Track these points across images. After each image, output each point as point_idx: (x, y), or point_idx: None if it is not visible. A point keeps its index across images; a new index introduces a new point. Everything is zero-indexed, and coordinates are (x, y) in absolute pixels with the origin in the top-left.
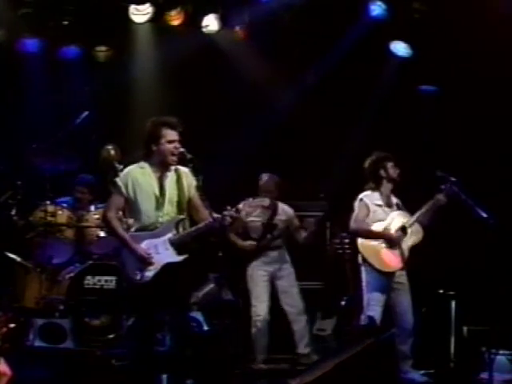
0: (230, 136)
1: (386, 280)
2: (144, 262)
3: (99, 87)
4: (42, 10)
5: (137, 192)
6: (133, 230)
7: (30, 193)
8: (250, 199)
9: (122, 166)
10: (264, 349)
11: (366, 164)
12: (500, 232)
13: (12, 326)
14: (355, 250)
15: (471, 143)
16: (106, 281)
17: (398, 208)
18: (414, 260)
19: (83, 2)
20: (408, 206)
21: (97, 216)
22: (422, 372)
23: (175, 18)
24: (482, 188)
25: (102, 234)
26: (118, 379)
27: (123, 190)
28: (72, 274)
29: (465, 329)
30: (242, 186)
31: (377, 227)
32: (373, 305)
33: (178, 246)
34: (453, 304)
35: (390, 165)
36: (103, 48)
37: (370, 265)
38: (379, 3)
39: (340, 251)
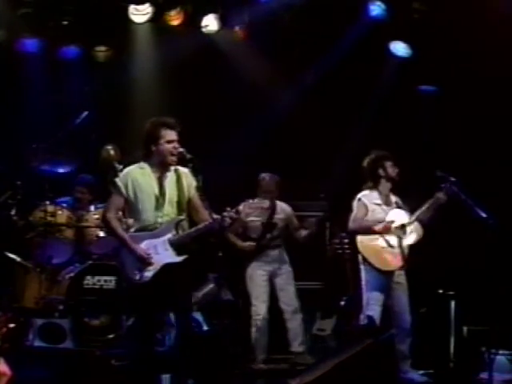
0: (229, 136)
1: (385, 279)
2: (143, 262)
3: (99, 87)
4: (42, 10)
5: (137, 192)
6: (132, 230)
7: (30, 193)
8: (250, 201)
9: (121, 166)
10: (264, 348)
11: (365, 163)
12: (500, 232)
13: (12, 325)
14: (355, 249)
15: (471, 143)
16: (106, 281)
17: (398, 206)
18: (413, 260)
19: (83, 2)
20: (408, 206)
21: (96, 216)
22: (422, 372)
23: (175, 18)
24: (481, 188)
25: (102, 234)
26: (117, 379)
27: (123, 190)
28: (72, 274)
29: (464, 329)
30: (241, 186)
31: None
32: (372, 304)
33: (177, 246)
34: (452, 304)
35: (388, 164)
36: (103, 48)
37: (369, 264)
38: (379, 3)
39: (340, 251)
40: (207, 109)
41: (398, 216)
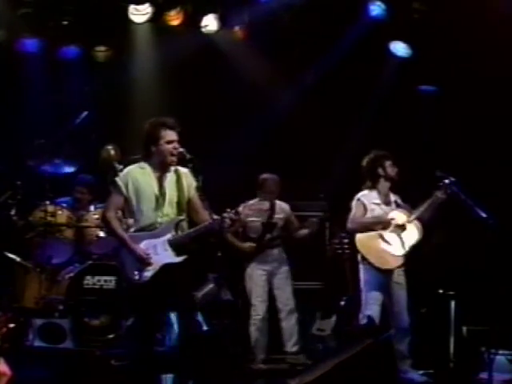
0: (229, 136)
1: (384, 278)
2: (143, 262)
3: (99, 87)
4: (42, 10)
5: (137, 192)
6: (132, 230)
7: (30, 193)
8: (250, 202)
9: (121, 166)
10: (263, 348)
11: (364, 162)
12: (499, 232)
13: (12, 325)
14: (354, 249)
15: (471, 143)
16: (106, 281)
17: (397, 205)
18: (413, 260)
19: (83, 2)
20: (407, 206)
21: (96, 216)
22: (422, 372)
23: (175, 18)
24: (481, 188)
25: (102, 234)
26: (117, 379)
27: (123, 189)
28: (71, 274)
29: (464, 329)
30: (241, 186)
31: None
32: (371, 303)
33: (176, 246)
34: (452, 304)
35: (388, 163)
36: (103, 48)
37: (368, 263)
38: (379, 3)
39: (339, 251)
40: (207, 109)
41: (398, 215)
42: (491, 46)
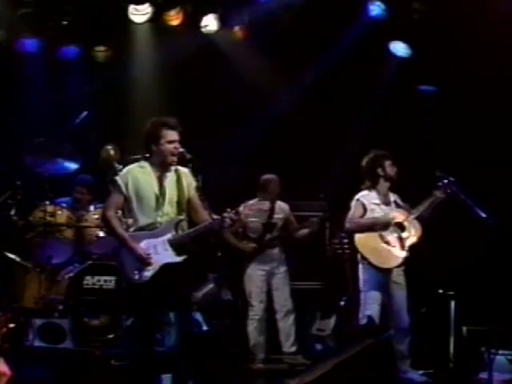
0: (229, 136)
1: (383, 278)
2: (143, 261)
3: (99, 87)
4: (42, 10)
5: (137, 191)
6: (132, 229)
7: (30, 193)
8: (250, 202)
9: (121, 166)
10: (262, 348)
11: (364, 162)
12: (499, 232)
13: (11, 325)
14: (354, 249)
15: (471, 143)
16: (106, 281)
17: (397, 205)
18: (413, 260)
19: (83, 2)
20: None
21: (96, 216)
22: (421, 372)
23: (174, 18)
24: (481, 188)
25: (102, 234)
26: (117, 379)
27: (123, 189)
28: (71, 274)
29: (464, 329)
30: (241, 186)
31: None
32: (370, 303)
33: (177, 246)
34: (452, 304)
35: (387, 163)
36: (102, 48)
37: (368, 263)
38: (378, 3)
39: (339, 251)
40: (207, 109)
41: (397, 215)
42: (491, 45)
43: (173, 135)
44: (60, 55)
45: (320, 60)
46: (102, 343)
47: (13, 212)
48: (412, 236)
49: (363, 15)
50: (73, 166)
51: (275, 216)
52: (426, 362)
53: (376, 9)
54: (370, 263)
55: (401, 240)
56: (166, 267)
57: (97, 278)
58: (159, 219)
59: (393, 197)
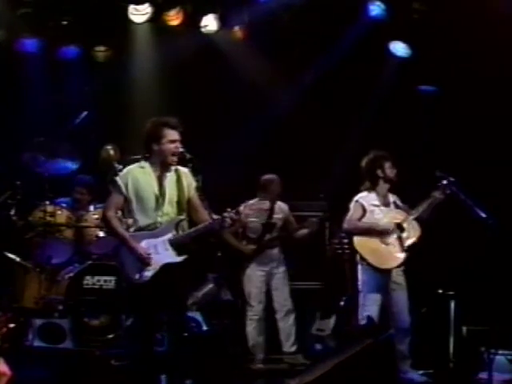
0: (229, 136)
1: (382, 279)
2: (143, 261)
3: (98, 87)
4: (42, 10)
5: (137, 191)
6: (132, 230)
7: (30, 193)
8: (250, 202)
9: (121, 166)
10: (262, 348)
11: (363, 163)
12: (499, 232)
13: (11, 326)
14: (354, 249)
15: (471, 143)
16: (106, 281)
17: (396, 206)
18: (413, 260)
19: (82, 2)
20: (407, 206)
21: (96, 216)
22: (421, 372)
23: (174, 18)
24: (481, 188)
25: (102, 234)
26: (117, 379)
27: (123, 189)
28: (71, 274)
29: (464, 329)
30: (241, 186)
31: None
32: (368, 305)
33: (177, 246)
34: (452, 304)
35: (387, 165)
36: (102, 48)
37: (367, 263)
38: (378, 3)
39: (339, 251)
40: (207, 109)
41: (396, 215)
42: (491, 45)
43: (174, 135)
44: (60, 55)
45: (320, 60)
46: (102, 343)
47: (13, 212)
48: (411, 237)
49: (363, 15)
50: (73, 166)
51: (275, 216)
52: (426, 362)
53: (376, 9)
54: (369, 264)
55: (400, 240)
56: (167, 267)
57: (97, 277)
58: (159, 219)
59: (392, 198)
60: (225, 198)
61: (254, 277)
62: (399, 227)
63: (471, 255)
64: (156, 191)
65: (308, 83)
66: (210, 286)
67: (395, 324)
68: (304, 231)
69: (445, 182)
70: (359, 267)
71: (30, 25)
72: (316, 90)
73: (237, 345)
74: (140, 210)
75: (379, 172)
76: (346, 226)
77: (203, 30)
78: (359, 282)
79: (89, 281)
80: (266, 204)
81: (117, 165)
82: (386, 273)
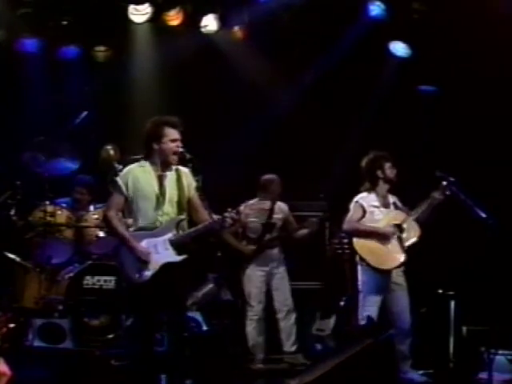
0: (229, 136)
1: (382, 279)
2: (142, 260)
3: (98, 87)
4: (42, 10)
5: (137, 191)
6: (132, 229)
7: (30, 193)
8: (250, 202)
9: (121, 166)
10: (262, 348)
11: (363, 163)
12: (499, 232)
13: (11, 326)
14: (353, 250)
15: (471, 143)
16: (105, 281)
17: (396, 207)
18: (413, 260)
19: (82, 2)
20: (407, 207)
21: (96, 216)
22: (421, 372)
23: (174, 18)
24: (481, 188)
25: (102, 234)
26: (117, 379)
27: (123, 189)
28: (71, 274)
29: (464, 329)
30: (241, 186)
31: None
32: (368, 305)
33: (178, 246)
34: (452, 304)
35: (387, 165)
36: (102, 48)
37: (367, 264)
38: (378, 3)
39: (339, 251)
40: (207, 109)
41: (395, 216)
42: (491, 45)
43: (175, 134)
44: (60, 55)
45: (320, 60)
46: (102, 343)
47: (13, 212)
48: (411, 237)
49: (363, 15)
50: (73, 166)
51: (274, 216)
52: (426, 362)
53: (376, 9)
54: (368, 264)
55: (400, 241)
56: (167, 266)
57: (97, 277)
58: (159, 219)
59: (392, 199)
60: (225, 197)
61: (253, 277)
62: (399, 228)
63: (471, 255)
64: (156, 191)
65: (308, 83)
66: (210, 286)
67: (396, 324)
68: (304, 231)
69: (444, 182)
70: (359, 267)
71: (30, 25)
72: (316, 90)
73: (237, 345)
74: (140, 210)
75: (379, 173)
76: (345, 226)
77: (203, 29)
78: (359, 283)
79: (89, 281)
80: (266, 204)
81: (117, 165)
82: (386, 273)
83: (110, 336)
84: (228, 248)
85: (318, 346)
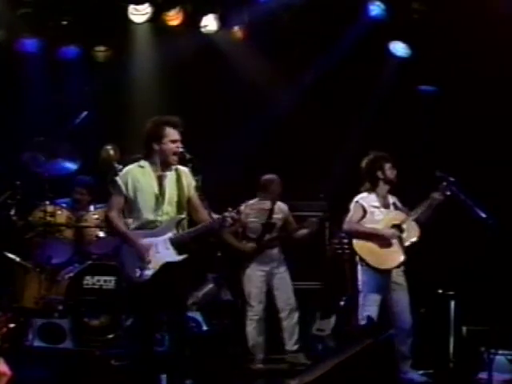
0: (229, 136)
1: (382, 279)
2: (142, 258)
3: (98, 87)
4: (42, 10)
5: (136, 191)
6: (132, 228)
7: (30, 193)
8: (250, 201)
9: (121, 167)
10: (262, 348)
11: (363, 164)
12: (499, 232)
13: (11, 326)
14: (353, 250)
15: (471, 143)
16: (105, 281)
17: (396, 208)
18: (413, 260)
19: (82, 2)
20: (407, 207)
21: (96, 216)
22: (422, 372)
23: (174, 18)
24: (481, 188)
25: (102, 234)
26: (117, 379)
27: (123, 189)
28: (71, 274)
29: (464, 329)
30: (241, 186)
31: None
32: (368, 305)
33: (178, 245)
34: (452, 304)
35: (387, 166)
36: (102, 48)
37: (366, 264)
38: (378, 3)
39: (339, 251)
40: (207, 109)
41: (395, 217)
42: (491, 45)
43: (175, 134)
44: (60, 55)
45: (320, 60)
46: (102, 343)
47: (13, 212)
48: (411, 237)
49: (363, 15)
50: (72, 166)
51: (274, 216)
52: (426, 362)
53: (376, 9)
54: (368, 264)
55: (399, 241)
56: (167, 266)
57: (97, 277)
58: (159, 219)
59: (392, 199)
60: (225, 197)
61: (254, 277)
62: (398, 228)
63: (471, 255)
64: (156, 191)
65: (308, 83)
66: (210, 285)
67: (396, 324)
68: (304, 231)
69: (444, 183)
70: (359, 268)
71: (30, 25)
72: (316, 90)
73: (237, 345)
74: (140, 210)
75: (379, 173)
76: (345, 226)
77: (203, 29)
78: (359, 282)
79: (89, 281)
80: (266, 204)
81: (117, 165)
82: (386, 273)
83: (110, 336)
84: (228, 248)
85: (318, 346)
